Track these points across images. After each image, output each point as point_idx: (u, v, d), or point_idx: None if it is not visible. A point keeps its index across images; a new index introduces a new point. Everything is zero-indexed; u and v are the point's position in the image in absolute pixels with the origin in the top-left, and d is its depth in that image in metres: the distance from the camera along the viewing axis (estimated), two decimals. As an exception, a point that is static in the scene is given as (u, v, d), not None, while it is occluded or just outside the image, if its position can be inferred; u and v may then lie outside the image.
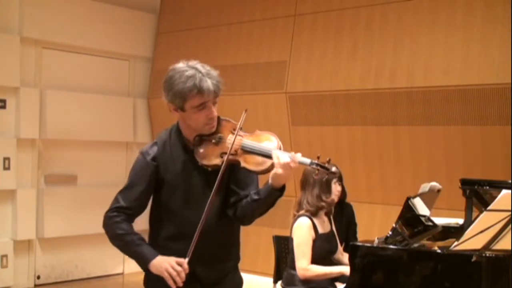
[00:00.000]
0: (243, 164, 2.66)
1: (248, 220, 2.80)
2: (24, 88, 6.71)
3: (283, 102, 6.58)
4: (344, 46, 6.21)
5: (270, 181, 2.65)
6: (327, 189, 4.17)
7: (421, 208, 3.75)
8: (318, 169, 2.60)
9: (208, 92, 2.66)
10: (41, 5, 6.83)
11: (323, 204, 4.15)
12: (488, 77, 5.31)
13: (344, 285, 3.84)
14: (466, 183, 3.80)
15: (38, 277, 6.95)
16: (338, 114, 6.20)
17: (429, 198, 3.97)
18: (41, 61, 6.97)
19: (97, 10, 7.33)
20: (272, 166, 2.63)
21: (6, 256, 6.56)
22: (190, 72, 2.70)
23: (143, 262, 2.76)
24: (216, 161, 2.69)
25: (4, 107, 6.61)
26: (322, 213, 4.21)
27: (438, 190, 4.15)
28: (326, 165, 2.60)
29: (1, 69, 6.48)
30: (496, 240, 3.12)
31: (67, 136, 7.07)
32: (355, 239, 4.84)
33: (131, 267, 7.67)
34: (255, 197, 2.71)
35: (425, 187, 4.05)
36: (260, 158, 2.66)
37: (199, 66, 2.74)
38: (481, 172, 5.32)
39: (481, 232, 3.06)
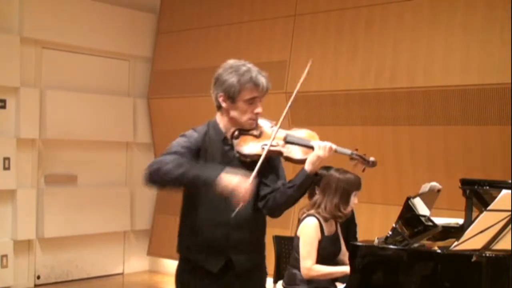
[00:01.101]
0: (285, 154, 2.86)
1: (279, 210, 2.93)
2: (24, 88, 6.71)
3: (283, 102, 6.58)
4: (344, 46, 6.20)
5: (305, 166, 2.85)
6: (346, 200, 4.14)
7: (421, 208, 3.75)
8: (357, 159, 2.92)
9: (262, 87, 2.91)
10: (41, 5, 6.83)
11: (340, 214, 4.15)
12: (488, 77, 5.31)
13: (344, 285, 3.84)
14: (466, 183, 3.80)
15: (38, 277, 6.95)
16: (338, 114, 6.20)
17: (429, 198, 3.97)
18: (41, 61, 6.97)
19: (97, 10, 7.33)
20: None
21: (6, 256, 6.56)
22: (245, 67, 2.90)
23: (215, 173, 2.69)
24: (257, 151, 2.85)
25: (4, 107, 6.61)
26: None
27: (438, 190, 4.14)
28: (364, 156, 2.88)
29: (1, 69, 6.49)
30: (496, 240, 3.12)
31: (67, 136, 7.07)
32: (355, 239, 4.83)
33: (131, 267, 7.68)
34: (290, 184, 2.88)
35: (425, 187, 4.04)
36: (302, 148, 2.87)
37: (250, 65, 2.94)
38: (481, 172, 5.32)
39: (481, 232, 3.06)
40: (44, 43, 6.95)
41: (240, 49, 6.99)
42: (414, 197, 3.71)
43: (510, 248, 3.14)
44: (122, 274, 7.62)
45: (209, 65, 7.33)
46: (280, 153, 2.86)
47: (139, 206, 7.73)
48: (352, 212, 4.96)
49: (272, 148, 2.84)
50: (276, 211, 2.94)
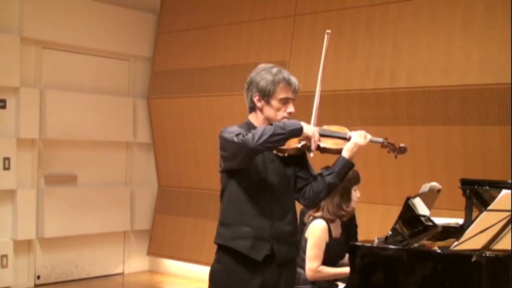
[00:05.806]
0: (322, 145, 3.04)
1: (318, 199, 3.12)
2: (24, 88, 6.71)
3: (283, 102, 6.58)
4: (344, 46, 6.20)
5: (343, 154, 3.05)
6: (347, 197, 4.14)
7: (421, 208, 3.75)
8: (389, 146, 3.17)
9: (294, 86, 3.09)
10: (41, 5, 6.83)
11: (343, 213, 4.16)
12: (488, 77, 5.31)
13: (344, 285, 3.84)
14: (466, 183, 3.79)
15: (38, 277, 6.95)
16: (338, 114, 6.20)
17: (429, 198, 3.97)
18: (41, 61, 6.98)
19: (97, 10, 7.33)
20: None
21: (6, 256, 6.56)
22: (276, 69, 3.11)
23: (298, 126, 2.94)
24: (296, 145, 3.02)
25: (4, 107, 6.61)
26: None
27: (438, 190, 4.14)
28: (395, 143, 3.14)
29: (1, 69, 6.49)
30: (496, 240, 3.12)
31: (67, 136, 7.07)
32: (356, 239, 4.83)
33: (131, 267, 7.68)
34: (328, 172, 3.07)
35: (425, 187, 4.04)
36: (336, 140, 3.11)
37: (280, 67, 3.14)
38: (481, 172, 5.32)
39: (481, 232, 3.07)
40: (44, 43, 6.95)
41: (240, 49, 6.99)
42: (414, 197, 3.71)
43: (510, 248, 3.14)
44: (122, 274, 7.62)
45: (209, 65, 7.34)
46: (317, 145, 3.01)
47: (139, 206, 7.73)
48: (354, 214, 4.97)
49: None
50: (316, 200, 3.12)
